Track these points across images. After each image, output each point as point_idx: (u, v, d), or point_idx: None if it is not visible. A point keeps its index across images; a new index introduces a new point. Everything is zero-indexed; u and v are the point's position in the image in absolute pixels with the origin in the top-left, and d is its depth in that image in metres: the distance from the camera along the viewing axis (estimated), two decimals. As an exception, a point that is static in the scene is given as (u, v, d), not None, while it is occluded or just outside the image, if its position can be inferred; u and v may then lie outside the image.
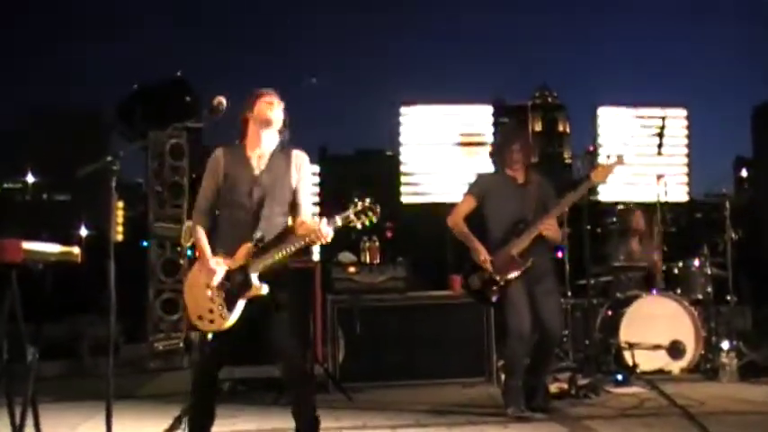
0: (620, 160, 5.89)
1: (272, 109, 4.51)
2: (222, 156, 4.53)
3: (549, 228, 5.79)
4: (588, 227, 7.58)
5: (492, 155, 6.25)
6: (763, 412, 5.95)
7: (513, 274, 5.79)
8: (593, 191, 11.22)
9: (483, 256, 5.84)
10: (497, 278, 5.80)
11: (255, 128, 4.52)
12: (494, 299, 5.86)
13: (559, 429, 5.45)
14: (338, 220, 4.28)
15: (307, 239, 4.33)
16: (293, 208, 4.55)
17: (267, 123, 4.49)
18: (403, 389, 7.03)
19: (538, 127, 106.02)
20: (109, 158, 4.13)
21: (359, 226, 4.33)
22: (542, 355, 5.92)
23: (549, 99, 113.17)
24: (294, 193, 4.54)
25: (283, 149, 4.56)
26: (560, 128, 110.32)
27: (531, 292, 5.80)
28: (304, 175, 4.58)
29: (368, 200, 4.30)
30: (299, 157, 4.57)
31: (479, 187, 6.13)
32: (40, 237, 4.99)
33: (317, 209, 11.90)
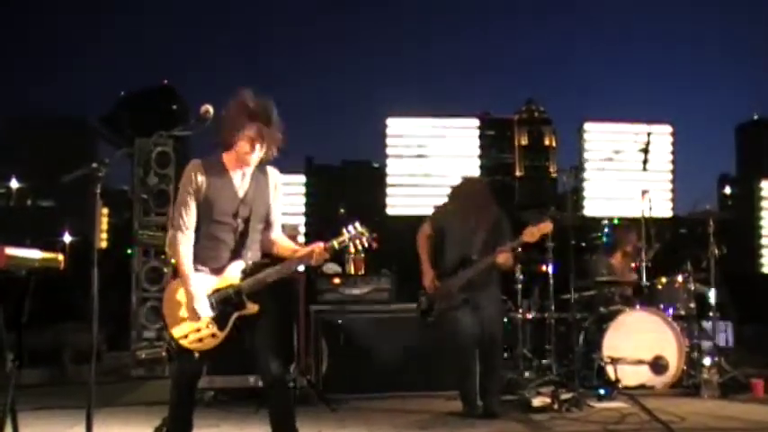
0: (546, 227, 6.43)
1: (253, 151, 4.36)
2: (201, 170, 4.41)
3: (505, 258, 6.36)
4: (573, 242, 7.61)
5: (452, 195, 6.86)
6: (743, 429, 6.00)
7: (449, 305, 6.36)
8: (578, 205, 11.25)
9: (430, 280, 6.49)
10: (437, 305, 6.44)
11: (242, 151, 4.38)
12: (429, 322, 6.52)
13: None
14: (335, 245, 4.38)
15: (302, 262, 4.44)
16: (266, 225, 4.58)
17: (245, 163, 4.42)
18: (386, 401, 7.02)
19: (524, 141, 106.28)
20: (94, 165, 4.12)
21: (352, 249, 4.46)
22: (489, 360, 6.36)
23: (536, 113, 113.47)
24: (269, 210, 4.56)
25: (260, 167, 4.53)
26: (547, 142, 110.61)
27: (474, 301, 6.33)
28: (279, 193, 4.63)
29: (358, 224, 4.40)
30: (275, 176, 4.60)
31: (438, 221, 6.72)
32: (23, 243, 4.97)
33: (303, 219, 11.89)
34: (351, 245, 4.42)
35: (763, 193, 11.95)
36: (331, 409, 6.65)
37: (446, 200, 7.02)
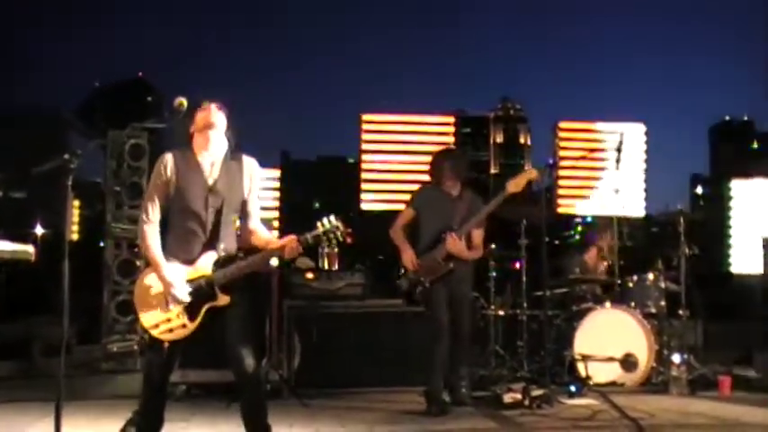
0: (530, 173, 6.55)
1: (210, 114, 4.44)
2: (172, 162, 4.43)
3: (453, 244, 6.38)
4: (547, 239, 7.64)
5: (430, 172, 6.80)
6: (711, 425, 6.07)
7: (436, 276, 6.38)
8: (551, 203, 11.32)
9: (410, 258, 6.48)
10: (422, 280, 6.41)
11: (201, 135, 4.45)
12: (419, 298, 6.47)
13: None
14: (309, 238, 4.37)
15: (275, 254, 4.42)
16: (243, 215, 4.57)
17: (209, 126, 4.43)
18: (358, 396, 7.03)
19: (499, 138, 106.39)
20: (66, 156, 4.09)
21: (326, 243, 4.48)
22: (458, 353, 6.46)
23: (512, 111, 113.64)
24: (245, 200, 4.55)
25: (234, 156, 4.53)
26: (522, 140, 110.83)
27: (450, 295, 6.41)
28: (255, 182, 4.60)
29: (333, 217, 4.40)
30: (251, 165, 4.58)
31: (417, 200, 6.77)
32: (-6, 234, 4.93)
33: (277, 213, 11.87)
34: (325, 238, 4.42)
35: (732, 193, 12.13)
36: (302, 404, 6.64)
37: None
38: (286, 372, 7.29)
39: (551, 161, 10.11)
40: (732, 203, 12.76)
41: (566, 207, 11.08)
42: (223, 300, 4.35)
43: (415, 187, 7.38)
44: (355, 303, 7.56)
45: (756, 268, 9.24)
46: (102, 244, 9.90)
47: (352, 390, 7.16)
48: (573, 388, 6.95)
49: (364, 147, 11.21)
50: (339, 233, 4.42)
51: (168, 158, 4.44)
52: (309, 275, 7.63)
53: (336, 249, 7.83)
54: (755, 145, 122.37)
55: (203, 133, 4.45)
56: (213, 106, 4.47)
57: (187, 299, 4.31)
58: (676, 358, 7.43)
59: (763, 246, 8.51)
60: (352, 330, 7.41)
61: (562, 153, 11.19)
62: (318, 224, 4.41)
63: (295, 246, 4.39)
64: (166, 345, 4.35)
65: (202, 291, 4.34)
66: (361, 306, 7.55)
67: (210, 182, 4.45)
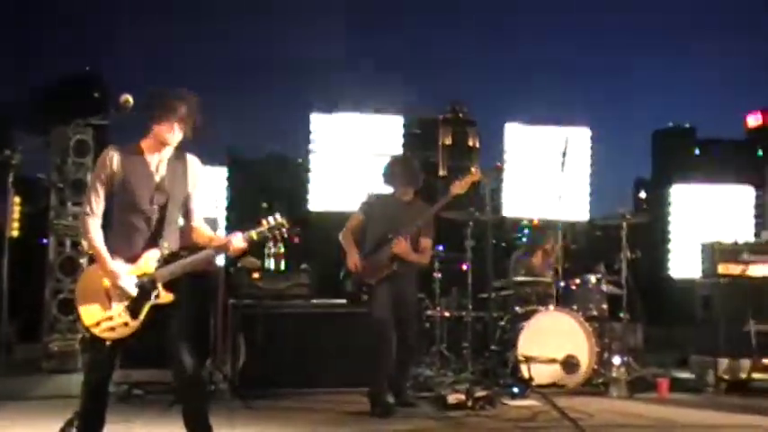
0: (474, 174, 6.68)
1: (172, 134, 4.39)
2: (117, 157, 4.37)
3: (399, 245, 6.44)
4: (494, 241, 7.72)
5: (383, 178, 6.86)
6: (649, 426, 6.22)
7: (381, 277, 6.43)
8: (496, 208, 11.42)
9: (354, 260, 6.52)
10: (367, 281, 6.45)
11: (156, 141, 4.42)
12: (365, 299, 6.50)
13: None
14: (253, 235, 4.37)
15: (218, 252, 4.39)
16: (186, 213, 4.55)
17: (164, 144, 4.41)
18: (303, 397, 7.01)
19: (448, 141, 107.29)
20: (7, 152, 4.04)
21: (271, 241, 4.50)
22: (404, 355, 6.49)
23: (461, 114, 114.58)
24: (188, 198, 4.52)
25: (178, 154, 4.50)
26: (470, 142, 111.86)
27: (395, 296, 6.45)
28: (199, 180, 4.58)
29: (278, 215, 4.40)
30: (195, 163, 4.56)
31: (368, 205, 6.84)
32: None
33: (223, 212, 11.78)
34: (270, 236, 4.42)
35: (672, 199, 12.39)
36: (246, 405, 6.62)
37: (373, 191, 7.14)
38: (230, 372, 7.26)
39: (498, 164, 10.21)
40: (672, 209, 13.04)
41: (511, 210, 11.27)
42: (166, 298, 4.31)
43: (364, 188, 7.43)
44: (301, 304, 7.56)
45: (695, 273, 9.41)
46: (44, 241, 9.75)
47: (297, 390, 7.14)
48: (516, 389, 7.04)
49: (312, 146, 11.29)
50: (284, 230, 4.42)
51: (113, 152, 4.38)
52: (255, 275, 7.60)
53: (283, 250, 7.81)
54: (697, 151, 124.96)
55: (158, 143, 4.42)
56: (176, 126, 4.40)
57: (134, 291, 4.26)
58: (616, 360, 7.57)
59: (701, 251, 8.70)
60: (298, 331, 7.39)
61: (508, 156, 11.38)
62: (263, 221, 4.41)
63: (239, 243, 4.38)
64: (108, 343, 4.30)
65: (145, 288, 4.30)
66: (307, 306, 7.55)
67: (157, 179, 4.41)
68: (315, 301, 7.63)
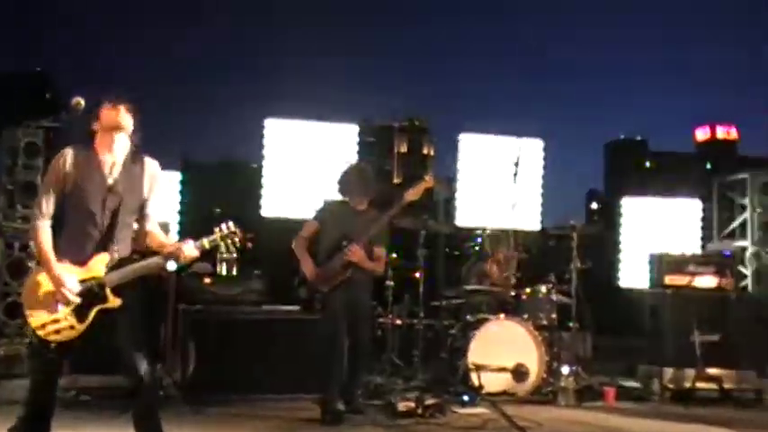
0: (427, 182, 6.74)
1: (119, 114, 4.37)
2: (71, 158, 4.34)
3: (354, 252, 6.47)
4: (447, 249, 7.77)
5: (338, 187, 6.89)
6: (596, 435, 6.30)
7: (334, 284, 6.45)
8: (450, 215, 11.49)
9: (309, 267, 6.56)
10: (320, 288, 6.48)
11: (106, 135, 4.38)
12: (318, 306, 6.53)
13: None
14: (205, 243, 4.37)
15: (169, 258, 4.37)
16: (141, 217, 4.52)
17: (116, 127, 4.36)
18: (253, 403, 6.98)
19: (403, 148, 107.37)
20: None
21: (223, 249, 4.47)
22: (356, 362, 6.52)
23: (416, 122, 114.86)
24: (144, 202, 4.50)
25: (135, 157, 4.48)
26: (425, 150, 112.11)
27: (348, 304, 6.46)
28: (156, 185, 4.56)
29: (231, 223, 4.42)
30: (153, 166, 4.54)
31: (323, 213, 6.88)
32: None
33: (176, 217, 11.70)
34: (222, 244, 4.42)
35: (623, 210, 12.62)
36: (196, 411, 6.57)
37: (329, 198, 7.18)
38: (180, 378, 7.20)
39: (451, 174, 10.27)
40: (623, 220, 13.28)
41: (465, 219, 11.34)
42: (114, 302, 4.28)
43: (318, 195, 7.46)
44: (252, 310, 7.52)
45: (644, 283, 9.58)
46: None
47: (248, 397, 7.10)
48: (466, 397, 7.09)
49: (267, 152, 11.25)
50: (237, 239, 4.43)
51: (68, 153, 4.35)
52: (207, 280, 7.56)
53: (235, 255, 7.77)
54: (648, 164, 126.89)
55: (109, 133, 4.38)
56: (122, 107, 4.39)
57: (76, 300, 4.22)
58: (565, 369, 7.68)
59: (649, 262, 8.86)
60: (249, 337, 7.34)
61: (462, 165, 11.47)
62: (216, 230, 4.42)
63: (190, 252, 4.36)
64: (53, 346, 4.25)
65: (93, 292, 4.26)
66: (259, 312, 7.52)
67: (110, 182, 4.38)
68: (267, 307, 7.61)
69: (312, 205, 7.56)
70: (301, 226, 6.96)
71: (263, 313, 7.51)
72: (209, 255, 7.75)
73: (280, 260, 7.50)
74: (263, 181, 11.35)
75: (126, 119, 4.39)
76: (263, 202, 11.07)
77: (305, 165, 11.50)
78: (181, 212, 12.15)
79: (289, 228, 7.61)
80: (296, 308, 7.35)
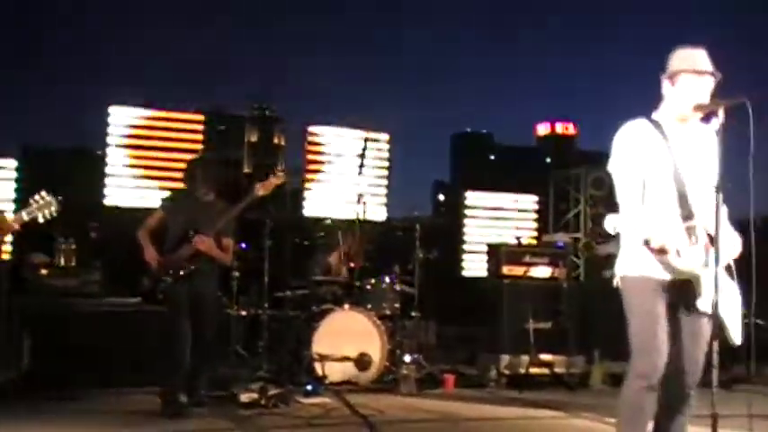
0: (279, 177, 6.68)
1: None
2: None
3: (201, 242, 6.37)
4: (297, 240, 7.81)
5: (183, 178, 6.82)
6: (435, 420, 6.50)
7: (179, 275, 6.33)
8: (297, 206, 11.54)
9: (153, 256, 6.41)
10: (164, 278, 6.35)
11: None
12: (161, 297, 6.37)
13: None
14: (24, 216, 4.28)
15: None
16: None
17: None
18: (93, 397, 6.77)
19: (254, 138, 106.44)
20: None
21: (41, 219, 4.41)
22: (199, 353, 6.41)
23: (267, 112, 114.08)
24: None
25: None
26: (276, 140, 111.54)
27: (193, 295, 6.37)
28: None
29: (44, 193, 4.34)
30: None
31: (169, 203, 6.78)
32: None
33: (13, 206, 11.25)
34: (39, 214, 4.34)
35: (467, 202, 13.02)
36: (32, 408, 6.35)
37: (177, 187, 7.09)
38: (14, 372, 6.94)
39: (300, 164, 10.32)
40: (467, 212, 13.73)
41: (312, 209, 11.40)
42: None
43: (162, 184, 7.32)
44: (92, 301, 7.34)
45: (484, 273, 9.95)
46: None
47: (88, 391, 6.90)
48: (309, 387, 7.14)
49: (111, 140, 10.90)
50: (53, 208, 4.37)
51: None
52: (44, 271, 7.32)
53: (74, 246, 7.56)
54: (492, 157, 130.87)
55: None
56: None
57: None
58: (407, 358, 7.87)
59: (488, 252, 9.19)
60: (89, 330, 7.16)
61: (310, 156, 11.50)
62: (30, 200, 4.34)
63: (9, 224, 4.28)
64: None
65: None
66: (99, 304, 7.34)
67: None
68: (108, 299, 7.43)
69: (157, 195, 7.46)
70: (146, 215, 6.84)
71: (103, 305, 7.33)
72: (46, 245, 7.55)
73: (121, 250, 7.36)
74: (107, 169, 11.06)
75: None
76: (106, 190, 10.78)
77: (150, 153, 11.28)
78: (17, 201, 11.67)
79: (132, 218, 7.47)
80: (137, 299, 7.21)
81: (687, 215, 3.78)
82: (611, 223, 3.61)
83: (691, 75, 3.84)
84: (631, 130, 3.90)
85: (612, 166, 3.91)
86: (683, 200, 3.80)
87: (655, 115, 3.96)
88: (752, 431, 4.40)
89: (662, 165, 3.81)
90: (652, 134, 3.86)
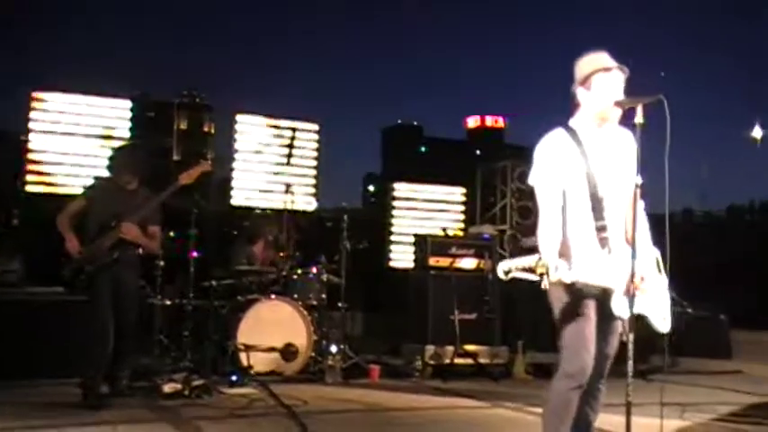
0: (204, 165, 6.70)
1: None
2: None
3: (128, 229, 6.32)
4: (226, 230, 7.75)
5: (108, 165, 6.85)
6: (358, 410, 6.55)
7: (101, 264, 6.24)
8: (225, 195, 11.46)
9: (74, 245, 6.27)
10: (86, 268, 6.24)
11: None
12: (83, 287, 6.27)
13: (167, 430, 5.53)
14: None
15: None
16: None
17: None
18: (12, 389, 6.59)
19: (183, 125, 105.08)
20: None
21: None
22: (121, 343, 6.33)
23: (197, 99, 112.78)
24: None
25: None
26: (205, 128, 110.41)
27: (115, 284, 6.31)
28: None
29: None
30: None
31: (91, 191, 6.66)
32: None
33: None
34: None
35: (395, 194, 13.15)
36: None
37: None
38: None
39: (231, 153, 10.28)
40: (395, 203, 13.84)
41: (240, 198, 11.32)
42: None
43: (84, 171, 7.20)
44: (12, 291, 7.19)
45: (411, 264, 10.01)
46: None
47: (5, 382, 6.76)
48: (234, 377, 7.13)
49: (32, 125, 10.63)
50: None
51: None
52: (-40, 260, 7.14)
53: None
54: (423, 149, 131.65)
55: None
56: None
57: None
58: (333, 348, 7.90)
59: (415, 244, 9.27)
60: (7, 320, 7.01)
61: (238, 146, 11.41)
62: None
63: None
64: None
65: None
66: (19, 293, 7.18)
67: None
68: (29, 288, 7.28)
69: (79, 182, 7.33)
70: (67, 203, 6.71)
71: (23, 294, 7.18)
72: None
73: (44, 238, 7.22)
74: (29, 155, 10.81)
75: None
76: (27, 177, 10.54)
77: (73, 140, 11.08)
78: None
79: (53, 204, 7.32)
80: (59, 288, 7.07)
81: (601, 226, 3.84)
82: (501, 269, 3.61)
83: (602, 73, 3.91)
84: (550, 142, 3.93)
85: (533, 180, 3.95)
86: (597, 209, 3.85)
87: (572, 122, 4.01)
88: (662, 418, 4.55)
89: (577, 174, 3.86)
90: (569, 144, 3.89)
